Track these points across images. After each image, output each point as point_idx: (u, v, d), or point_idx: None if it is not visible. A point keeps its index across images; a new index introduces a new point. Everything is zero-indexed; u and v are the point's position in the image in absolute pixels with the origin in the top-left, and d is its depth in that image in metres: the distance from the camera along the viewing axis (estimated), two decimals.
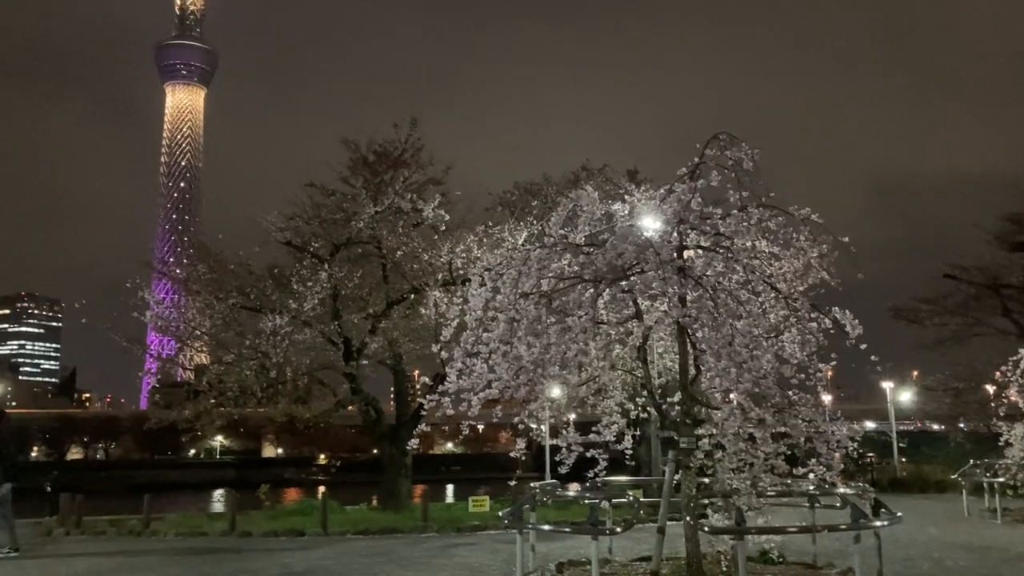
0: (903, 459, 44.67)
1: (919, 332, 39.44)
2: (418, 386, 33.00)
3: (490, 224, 27.27)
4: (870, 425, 55.91)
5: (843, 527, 11.60)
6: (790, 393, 11.39)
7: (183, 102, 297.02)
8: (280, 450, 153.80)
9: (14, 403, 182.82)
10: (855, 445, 11.48)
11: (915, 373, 54.66)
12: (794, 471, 11.98)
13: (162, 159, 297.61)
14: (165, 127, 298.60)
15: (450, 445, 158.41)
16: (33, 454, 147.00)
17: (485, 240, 26.11)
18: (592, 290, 11.76)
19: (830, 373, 12.55)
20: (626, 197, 13.99)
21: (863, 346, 11.51)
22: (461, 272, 25.32)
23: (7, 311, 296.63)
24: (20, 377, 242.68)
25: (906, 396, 55.28)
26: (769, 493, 12.21)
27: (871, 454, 43.74)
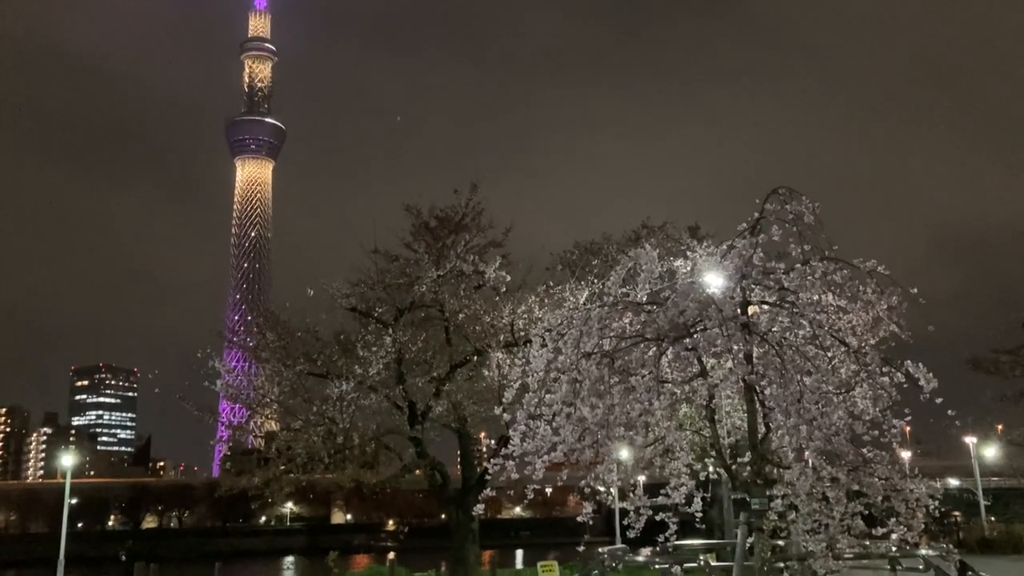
0: (991, 518, 42.66)
1: (1000, 384, 38.00)
2: (483, 449, 32.88)
3: (551, 284, 27.33)
4: (953, 482, 53.69)
5: None
6: (864, 450, 11.05)
7: (252, 175, 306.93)
8: (349, 516, 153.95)
9: (92, 472, 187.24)
10: (936, 503, 11.03)
11: (999, 427, 52.42)
12: (872, 532, 11.52)
13: (232, 231, 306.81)
14: (235, 200, 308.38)
15: (518, 509, 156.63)
16: (110, 523, 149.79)
17: (546, 300, 26.15)
18: (655, 348, 11.65)
19: (907, 428, 12.15)
20: (688, 253, 13.89)
21: (939, 400, 11.13)
22: (523, 333, 25.34)
23: (86, 382, 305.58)
24: (98, 447, 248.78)
25: (991, 451, 52.99)
26: (847, 555, 11.78)
27: (956, 513, 41.90)
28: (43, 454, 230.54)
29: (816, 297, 11.63)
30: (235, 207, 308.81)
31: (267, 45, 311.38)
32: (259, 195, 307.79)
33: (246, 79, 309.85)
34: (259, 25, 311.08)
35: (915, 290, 11.98)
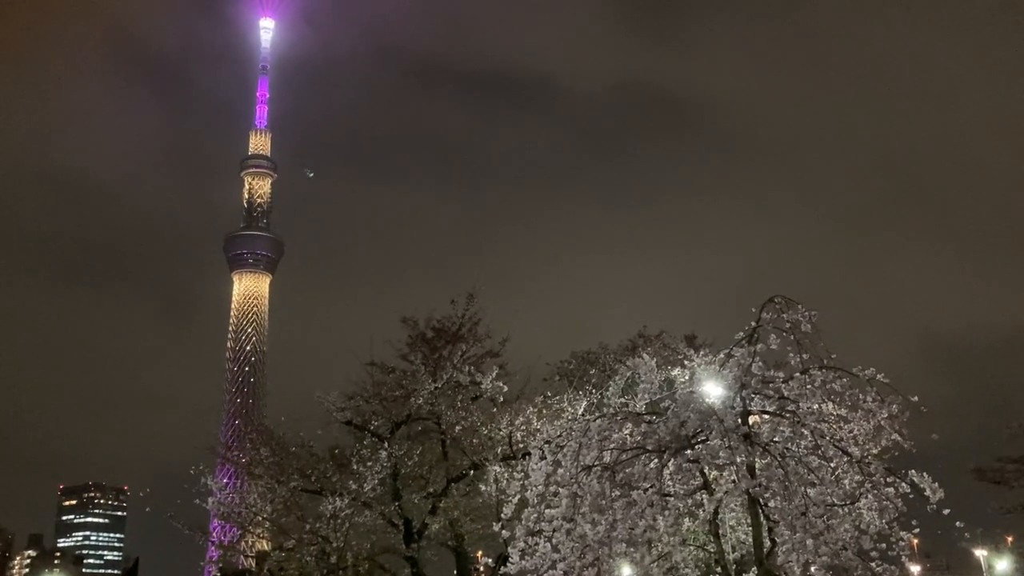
0: None
1: (1007, 495, 37.27)
2: (481, 569, 31.91)
3: (549, 395, 27.08)
4: None
5: None
6: (873, 565, 10.75)
7: (249, 289, 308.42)
8: None
9: None
10: None
11: (1010, 539, 51.18)
12: None
13: (228, 345, 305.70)
14: (231, 314, 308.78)
15: None
16: None
17: (544, 411, 25.87)
18: (657, 460, 11.47)
19: (915, 541, 11.88)
20: (685, 363, 13.87)
21: (947, 511, 10.93)
22: (521, 445, 24.99)
23: (74, 501, 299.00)
24: (84, 570, 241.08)
25: (1003, 564, 51.62)
26: None
27: None
28: None
29: (816, 406, 11.56)
30: (231, 321, 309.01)
31: (267, 162, 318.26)
32: (255, 309, 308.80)
33: (245, 195, 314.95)
34: (259, 143, 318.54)
35: (915, 398, 11.93)
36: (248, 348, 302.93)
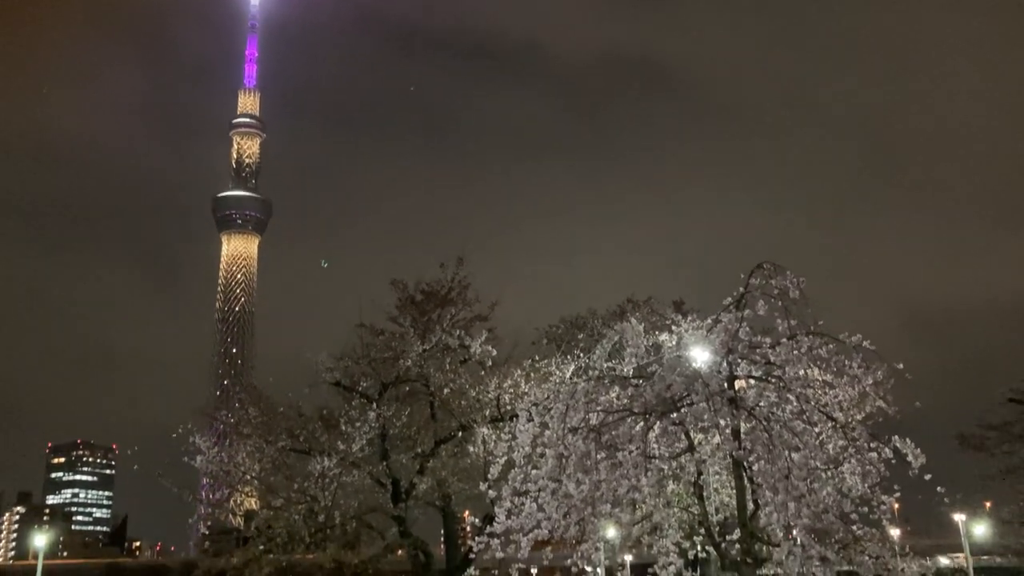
0: None
1: (987, 461, 37.68)
2: (467, 528, 32.21)
3: (537, 358, 27.21)
4: (944, 561, 52.88)
5: None
6: (854, 527, 10.91)
7: (238, 250, 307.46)
8: None
9: (65, 553, 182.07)
10: None
11: (988, 504, 51.89)
12: None
13: (217, 305, 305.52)
14: (220, 274, 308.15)
15: None
16: None
17: (532, 374, 26.01)
18: (642, 423, 11.56)
19: (896, 505, 12.04)
20: (673, 328, 13.93)
21: (928, 476, 11.09)
22: (509, 407, 25.13)
23: (62, 459, 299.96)
24: (73, 527, 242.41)
25: (980, 529, 52.37)
26: None
27: None
28: (15, 534, 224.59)
29: (802, 372, 11.64)
30: (220, 282, 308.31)
31: (256, 122, 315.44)
32: (244, 269, 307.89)
33: (234, 155, 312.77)
34: (248, 103, 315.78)
35: (900, 365, 12.02)
36: (237, 309, 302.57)
